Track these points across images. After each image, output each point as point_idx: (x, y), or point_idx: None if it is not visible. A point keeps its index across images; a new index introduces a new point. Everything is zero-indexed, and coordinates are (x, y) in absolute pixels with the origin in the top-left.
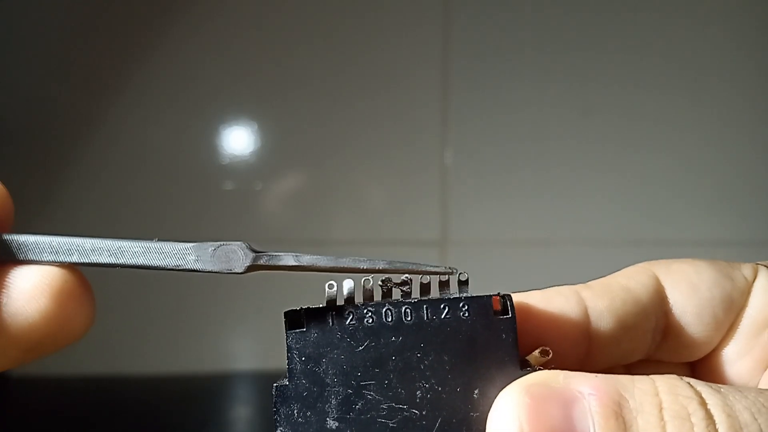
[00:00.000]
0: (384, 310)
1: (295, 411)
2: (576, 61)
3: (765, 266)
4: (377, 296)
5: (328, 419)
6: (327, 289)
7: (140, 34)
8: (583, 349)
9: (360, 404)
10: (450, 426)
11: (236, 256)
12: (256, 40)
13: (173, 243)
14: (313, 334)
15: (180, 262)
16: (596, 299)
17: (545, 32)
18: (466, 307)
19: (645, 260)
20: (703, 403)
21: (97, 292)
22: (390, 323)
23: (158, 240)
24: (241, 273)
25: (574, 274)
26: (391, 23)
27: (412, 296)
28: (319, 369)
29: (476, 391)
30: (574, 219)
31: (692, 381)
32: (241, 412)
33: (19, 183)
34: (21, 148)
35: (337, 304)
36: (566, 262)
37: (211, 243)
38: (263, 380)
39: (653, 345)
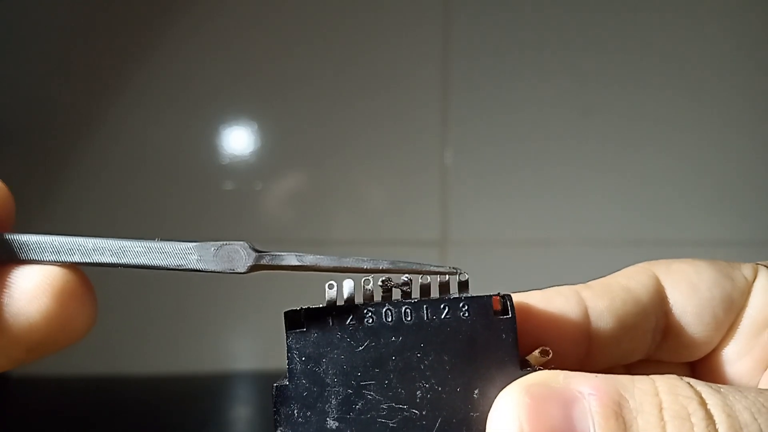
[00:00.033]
0: (384, 310)
1: (295, 411)
2: (576, 61)
3: (765, 266)
4: (377, 296)
5: (328, 419)
6: (327, 289)
7: (140, 34)
8: (583, 349)
9: (360, 404)
10: (450, 426)
11: (239, 255)
12: (256, 40)
13: (175, 243)
14: (313, 334)
15: (182, 262)
16: (596, 299)
17: (545, 32)
18: (466, 307)
19: (645, 260)
20: (703, 403)
21: (97, 292)
22: (390, 323)
23: (160, 240)
24: (244, 273)
25: (574, 274)
26: (391, 23)
27: (413, 296)
28: (319, 369)
29: (476, 391)
30: (574, 219)
31: (692, 381)
32: (241, 412)
33: (19, 183)
34: (21, 148)
35: (337, 304)
36: (566, 262)
37: (214, 243)
38: (263, 380)
39: (653, 345)
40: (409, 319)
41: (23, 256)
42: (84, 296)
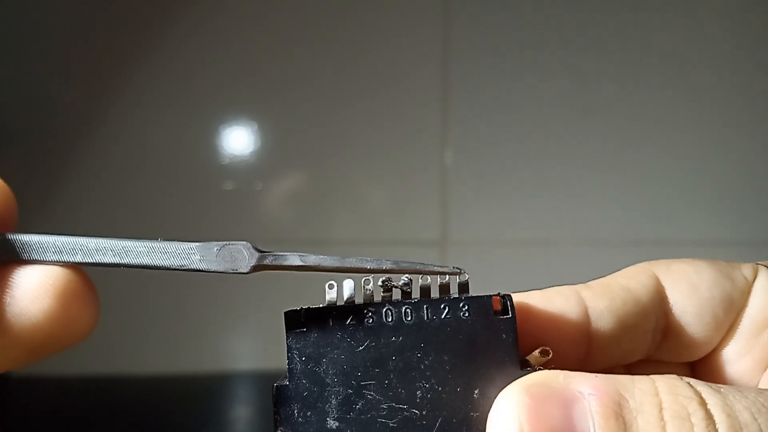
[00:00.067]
0: (384, 310)
1: (295, 411)
2: (576, 61)
3: (765, 266)
4: (377, 297)
5: (328, 419)
6: (327, 289)
7: (140, 34)
8: (583, 349)
9: (360, 404)
10: (450, 426)
11: (241, 255)
12: (256, 40)
13: (177, 243)
14: (314, 334)
15: (184, 262)
16: (596, 299)
17: (545, 32)
18: (466, 307)
19: (645, 260)
20: (703, 403)
21: (97, 292)
22: (390, 323)
23: (162, 240)
24: (246, 273)
25: (574, 274)
26: (391, 23)
27: (413, 297)
28: (319, 369)
29: (476, 391)
30: (574, 219)
31: (692, 381)
32: (241, 412)
33: (19, 183)
34: (21, 148)
35: (337, 304)
36: (566, 262)
37: (216, 243)
38: (263, 380)
39: (653, 345)
40: (409, 319)
41: (25, 256)
42: (86, 296)
